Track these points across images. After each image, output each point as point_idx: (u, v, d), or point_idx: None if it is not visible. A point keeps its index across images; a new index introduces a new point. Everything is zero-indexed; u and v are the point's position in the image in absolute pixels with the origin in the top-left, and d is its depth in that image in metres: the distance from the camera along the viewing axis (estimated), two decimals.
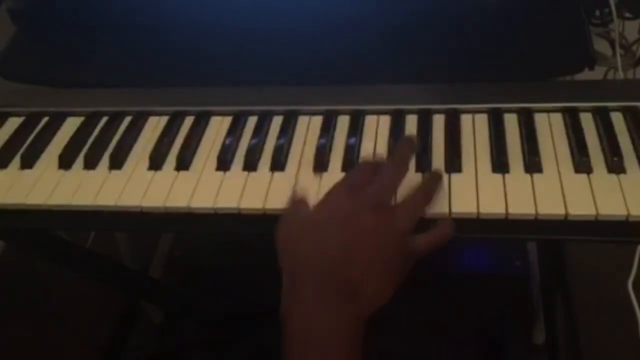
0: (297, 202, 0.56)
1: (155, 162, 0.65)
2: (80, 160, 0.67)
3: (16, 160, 0.68)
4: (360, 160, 0.61)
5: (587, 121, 0.64)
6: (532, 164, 0.59)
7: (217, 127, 0.69)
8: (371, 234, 0.52)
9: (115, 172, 0.65)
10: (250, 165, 0.64)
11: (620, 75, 0.76)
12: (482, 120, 0.65)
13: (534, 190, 0.57)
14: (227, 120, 0.69)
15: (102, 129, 0.70)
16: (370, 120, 0.67)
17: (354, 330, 0.50)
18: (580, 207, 0.55)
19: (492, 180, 0.59)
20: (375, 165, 0.57)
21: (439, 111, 0.67)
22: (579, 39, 0.72)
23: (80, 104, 0.74)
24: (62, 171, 0.66)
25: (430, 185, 0.57)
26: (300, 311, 0.50)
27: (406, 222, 0.54)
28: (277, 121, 0.68)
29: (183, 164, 0.65)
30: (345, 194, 0.54)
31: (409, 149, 0.59)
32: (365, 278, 0.51)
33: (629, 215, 0.54)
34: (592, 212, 0.54)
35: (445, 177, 0.59)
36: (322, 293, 0.50)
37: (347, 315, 0.50)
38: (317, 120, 0.68)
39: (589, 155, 0.59)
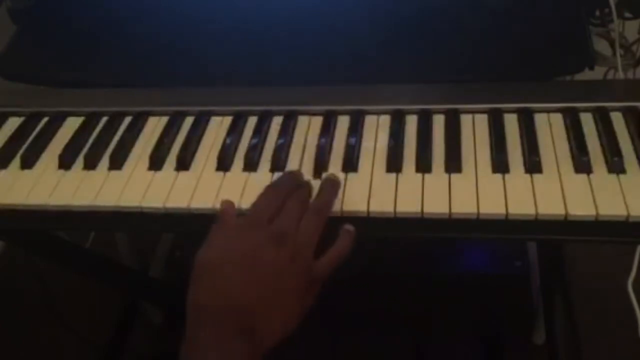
0: (221, 222, 0.56)
1: (155, 162, 0.65)
2: (80, 160, 0.67)
3: (16, 160, 0.68)
4: (266, 187, 0.59)
5: (587, 121, 0.64)
6: (532, 164, 0.59)
7: (217, 127, 0.69)
8: (272, 269, 0.51)
9: (115, 172, 0.65)
10: (250, 165, 0.64)
11: (620, 75, 0.76)
12: (482, 120, 0.65)
13: (534, 190, 0.57)
14: (227, 120, 0.69)
15: (102, 129, 0.70)
16: (370, 120, 0.67)
17: None
18: (580, 207, 0.55)
19: (492, 180, 0.59)
20: (283, 195, 0.57)
21: (439, 111, 0.67)
22: (579, 38, 0.72)
23: (80, 104, 0.74)
24: (62, 171, 0.66)
25: (324, 197, 0.57)
26: (202, 343, 0.49)
27: (308, 250, 0.53)
28: (277, 121, 0.68)
29: (183, 164, 0.65)
30: (246, 227, 0.54)
31: (307, 185, 0.59)
32: (267, 316, 0.50)
33: (629, 215, 0.54)
34: (592, 212, 0.54)
35: (445, 177, 0.59)
36: (216, 336, 0.49)
37: (245, 356, 0.49)
38: (317, 120, 0.68)
39: (589, 155, 0.59)
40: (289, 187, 0.58)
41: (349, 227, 0.56)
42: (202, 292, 0.51)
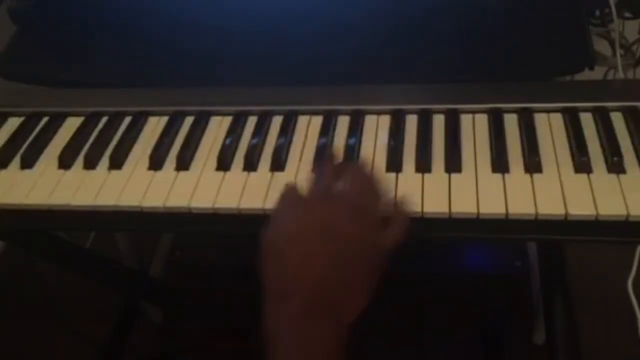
0: (286, 198, 0.55)
1: (155, 162, 0.65)
2: (80, 160, 0.67)
3: (16, 160, 0.68)
4: (320, 163, 0.60)
5: (587, 121, 0.64)
6: (532, 164, 0.59)
7: (217, 127, 0.69)
8: (353, 246, 0.51)
9: (115, 172, 0.65)
10: (250, 165, 0.64)
11: (620, 75, 0.75)
12: (482, 120, 0.65)
13: (534, 190, 0.57)
14: (227, 120, 0.69)
15: (102, 129, 0.70)
16: (370, 120, 0.67)
17: (336, 344, 0.49)
18: (580, 207, 0.55)
19: (492, 180, 0.59)
20: (338, 167, 0.57)
21: (439, 111, 0.67)
22: (579, 39, 0.72)
23: (80, 104, 0.74)
24: (62, 171, 0.66)
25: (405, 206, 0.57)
26: (286, 325, 0.49)
27: (380, 222, 0.53)
28: (277, 121, 0.68)
29: (183, 164, 0.65)
30: (322, 201, 0.53)
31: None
32: (349, 292, 0.50)
33: (629, 215, 0.54)
34: (592, 212, 0.54)
35: (445, 177, 0.59)
36: (309, 310, 0.49)
37: (329, 336, 0.49)
38: (317, 120, 0.68)
39: (589, 155, 0.59)
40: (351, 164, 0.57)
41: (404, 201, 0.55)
42: (291, 262, 0.51)
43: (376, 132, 0.66)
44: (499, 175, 0.59)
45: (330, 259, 0.50)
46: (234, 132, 0.67)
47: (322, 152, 0.63)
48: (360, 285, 0.51)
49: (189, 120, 0.70)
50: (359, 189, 0.54)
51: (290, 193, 0.55)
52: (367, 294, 0.51)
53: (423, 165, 0.61)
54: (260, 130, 0.67)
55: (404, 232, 0.54)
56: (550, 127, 0.64)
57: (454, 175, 0.60)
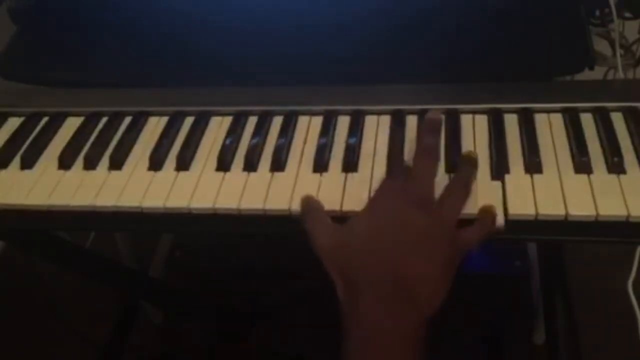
0: (316, 210, 0.57)
1: (155, 162, 0.65)
2: (80, 161, 0.67)
3: (16, 160, 0.68)
4: (391, 162, 0.61)
5: (587, 121, 0.64)
6: (532, 164, 0.59)
7: (217, 127, 0.69)
8: (423, 234, 0.52)
9: (115, 173, 0.65)
10: (250, 165, 0.64)
11: (620, 75, 0.76)
12: (482, 120, 0.65)
13: (534, 190, 0.57)
14: (227, 120, 0.69)
15: (102, 129, 0.70)
16: (370, 120, 0.67)
17: (416, 335, 0.50)
18: (580, 207, 0.55)
19: (492, 181, 0.59)
20: (407, 165, 0.57)
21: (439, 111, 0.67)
22: (579, 39, 0.72)
23: (80, 104, 0.74)
24: (62, 171, 0.66)
25: (467, 170, 0.58)
26: (363, 316, 0.50)
27: (452, 215, 0.54)
28: (277, 121, 0.68)
29: (183, 164, 0.65)
30: (391, 196, 0.55)
31: (433, 133, 0.59)
32: (422, 281, 0.51)
33: (629, 215, 0.54)
34: (592, 212, 0.54)
35: (445, 177, 0.59)
36: (383, 298, 0.50)
37: (409, 321, 0.50)
38: (317, 120, 0.68)
39: (589, 155, 0.59)
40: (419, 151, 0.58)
41: (490, 206, 0.56)
42: (362, 255, 0.52)
43: (376, 132, 0.66)
44: (499, 176, 0.59)
45: (401, 249, 0.51)
46: (234, 132, 0.67)
47: (322, 152, 0.63)
48: (437, 278, 0.51)
49: (189, 120, 0.70)
50: (428, 179, 0.55)
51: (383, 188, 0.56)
52: (444, 288, 0.52)
53: None
54: (260, 130, 0.67)
55: (485, 233, 0.54)
56: (550, 127, 0.64)
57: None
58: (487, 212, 0.55)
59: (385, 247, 0.52)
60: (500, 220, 0.55)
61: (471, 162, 0.59)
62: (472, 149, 0.62)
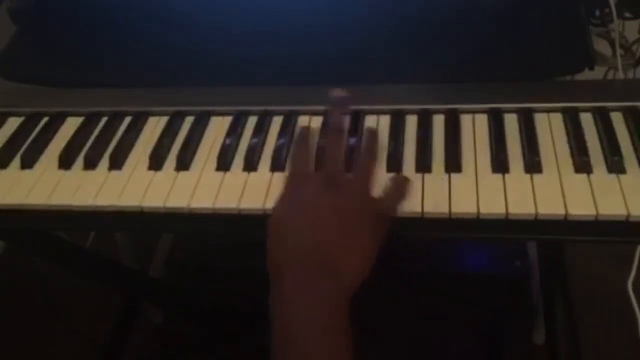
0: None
1: (155, 162, 0.65)
2: (80, 160, 0.67)
3: (16, 160, 0.68)
4: (295, 143, 0.61)
5: (587, 121, 0.64)
6: (532, 164, 0.59)
7: (217, 127, 0.69)
8: (336, 209, 0.52)
9: (115, 172, 0.65)
10: (250, 165, 0.64)
11: (620, 75, 0.76)
12: (482, 120, 0.65)
13: (534, 190, 0.57)
14: (227, 120, 0.69)
15: (102, 129, 0.70)
16: (370, 120, 0.67)
17: (340, 312, 0.50)
18: (580, 207, 0.55)
19: (492, 180, 0.59)
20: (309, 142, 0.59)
21: (439, 111, 0.67)
22: (579, 38, 0.72)
23: (80, 104, 0.74)
24: (62, 171, 0.66)
25: (371, 143, 0.58)
26: (281, 307, 0.50)
27: (365, 186, 0.54)
28: (277, 121, 0.68)
29: (183, 164, 0.65)
30: (300, 178, 0.55)
31: (339, 111, 0.59)
32: (343, 255, 0.51)
33: (629, 215, 0.54)
34: (592, 212, 0.54)
35: (445, 177, 0.59)
36: (301, 281, 0.50)
37: (329, 296, 0.50)
38: (317, 120, 0.68)
39: (589, 155, 0.59)
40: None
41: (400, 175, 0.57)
42: (277, 248, 0.52)
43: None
44: (499, 175, 0.59)
45: (316, 231, 0.52)
46: (234, 132, 0.67)
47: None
48: (360, 248, 0.52)
49: (189, 120, 0.70)
50: (335, 159, 0.56)
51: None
52: (369, 257, 0.52)
53: (423, 165, 0.61)
54: (260, 130, 0.67)
55: (401, 194, 0.55)
56: (550, 127, 0.64)
57: (454, 175, 0.60)
58: (400, 177, 0.57)
59: (299, 228, 0.52)
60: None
61: (373, 132, 0.60)
62: (472, 149, 0.62)
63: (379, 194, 0.55)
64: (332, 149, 0.56)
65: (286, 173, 0.58)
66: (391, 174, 0.61)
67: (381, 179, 0.57)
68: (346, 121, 0.59)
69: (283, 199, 0.55)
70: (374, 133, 0.60)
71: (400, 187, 0.56)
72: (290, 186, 0.56)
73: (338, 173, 0.55)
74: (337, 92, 0.60)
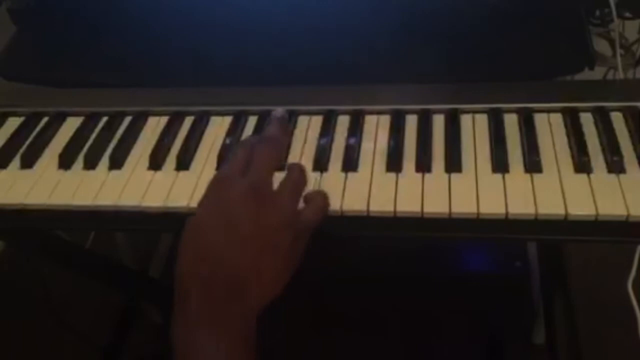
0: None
1: (155, 162, 0.65)
2: (80, 160, 0.67)
3: (16, 160, 0.68)
4: (234, 147, 0.60)
5: (587, 121, 0.64)
6: (532, 164, 0.59)
7: (217, 127, 0.69)
8: (253, 225, 0.49)
9: (115, 172, 0.65)
10: None
11: (620, 75, 0.76)
12: (482, 120, 0.65)
13: (534, 190, 0.57)
14: (227, 120, 0.69)
15: (102, 129, 0.70)
16: (370, 120, 0.67)
17: (243, 341, 0.47)
18: (580, 207, 0.55)
19: (492, 180, 0.59)
20: (249, 150, 0.56)
21: (439, 111, 0.67)
22: (579, 38, 0.72)
23: (80, 104, 0.74)
24: (62, 171, 0.66)
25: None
26: (183, 333, 0.47)
27: (291, 200, 0.53)
28: None
29: (183, 164, 0.65)
30: (221, 186, 0.53)
31: (276, 123, 0.59)
32: (256, 274, 0.48)
33: (629, 215, 0.54)
34: (592, 212, 0.54)
35: (445, 177, 0.59)
36: (206, 305, 0.47)
37: (235, 324, 0.47)
38: (317, 120, 0.68)
39: (589, 155, 0.59)
40: (257, 139, 0.57)
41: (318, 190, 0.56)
42: (186, 262, 0.50)
43: (376, 132, 0.66)
44: (499, 175, 0.59)
45: (231, 246, 0.49)
46: (234, 132, 0.67)
47: (322, 152, 0.63)
48: (273, 267, 0.49)
49: (189, 120, 0.70)
50: (263, 168, 0.54)
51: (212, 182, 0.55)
52: (281, 278, 0.50)
53: (423, 165, 0.61)
54: (260, 130, 0.67)
55: (320, 213, 0.54)
56: (550, 127, 0.64)
57: (454, 175, 0.60)
58: (317, 193, 0.55)
59: (212, 242, 0.49)
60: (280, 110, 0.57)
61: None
62: (472, 148, 0.62)
63: (301, 207, 0.53)
64: (262, 157, 0.54)
65: (215, 173, 0.56)
66: (391, 173, 0.61)
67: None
68: (284, 134, 0.59)
69: (206, 200, 0.53)
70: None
71: (320, 200, 0.55)
72: (217, 187, 0.53)
73: (265, 184, 0.52)
74: (279, 112, 0.60)
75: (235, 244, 0.49)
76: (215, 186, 0.54)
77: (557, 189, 0.57)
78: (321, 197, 0.55)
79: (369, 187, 0.59)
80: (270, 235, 0.50)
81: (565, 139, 0.62)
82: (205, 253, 0.49)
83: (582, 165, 0.59)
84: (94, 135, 0.70)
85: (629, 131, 0.62)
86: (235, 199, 0.51)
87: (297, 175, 0.56)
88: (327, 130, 0.66)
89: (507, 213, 0.55)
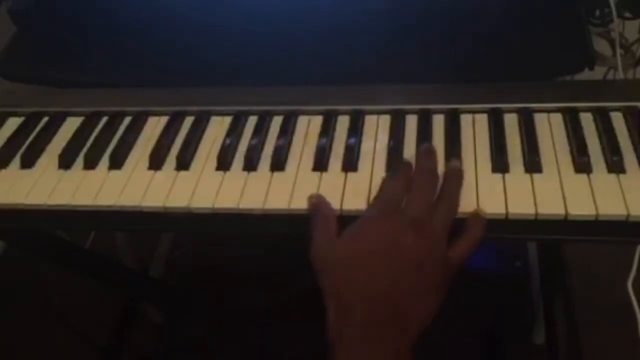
0: (325, 217, 0.56)
1: (155, 162, 0.65)
2: (80, 160, 0.67)
3: (16, 160, 0.68)
4: (387, 175, 0.60)
5: (587, 121, 0.64)
6: (532, 164, 0.59)
7: (217, 127, 0.69)
8: (416, 257, 0.51)
9: (115, 172, 0.65)
10: (250, 165, 0.64)
11: (620, 75, 0.75)
12: (482, 120, 0.65)
13: (534, 190, 0.57)
14: (227, 120, 0.69)
15: (102, 129, 0.70)
16: (370, 120, 0.67)
17: (405, 355, 0.49)
18: (580, 207, 0.55)
19: (492, 180, 0.59)
20: (405, 180, 0.57)
21: (439, 111, 0.67)
22: (579, 38, 0.72)
23: (80, 104, 0.74)
24: (62, 171, 0.66)
25: (453, 184, 0.57)
26: (350, 335, 0.49)
27: (444, 234, 0.53)
28: (277, 121, 0.68)
29: (183, 164, 0.65)
30: (383, 217, 0.54)
31: (432, 157, 0.59)
32: (415, 305, 0.50)
33: (629, 215, 0.54)
34: (592, 212, 0.54)
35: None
36: (374, 321, 0.49)
37: (398, 345, 0.49)
38: (317, 120, 0.68)
39: (589, 155, 0.59)
40: (411, 171, 0.58)
41: (479, 213, 0.55)
42: (347, 285, 0.51)
43: (376, 132, 0.66)
44: (499, 175, 0.59)
45: (394, 276, 0.50)
46: (234, 132, 0.67)
47: (323, 152, 0.63)
48: (430, 300, 0.51)
49: (189, 120, 0.70)
50: (424, 201, 0.55)
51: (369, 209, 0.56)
52: (434, 306, 0.51)
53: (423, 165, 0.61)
54: (260, 130, 0.67)
55: (474, 245, 0.54)
56: (550, 127, 0.64)
57: None
58: (475, 221, 0.55)
59: (380, 267, 0.51)
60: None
61: (458, 173, 0.58)
62: (472, 148, 0.62)
63: (452, 241, 0.54)
64: (421, 192, 0.55)
65: (371, 208, 0.56)
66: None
67: None
68: (437, 167, 0.58)
69: (363, 235, 0.54)
70: (458, 173, 0.58)
71: (474, 235, 0.54)
72: (374, 223, 0.54)
73: (424, 219, 0.53)
74: (428, 146, 0.60)
75: (397, 274, 0.51)
76: (376, 214, 0.55)
77: (557, 189, 0.57)
78: (480, 227, 0.55)
79: (369, 187, 0.59)
80: (430, 268, 0.52)
81: (565, 139, 0.62)
82: (368, 281, 0.51)
83: (582, 165, 0.59)
84: (94, 135, 0.70)
85: (629, 131, 0.62)
86: (398, 229, 0.52)
87: (453, 206, 0.55)
88: (327, 130, 0.66)
89: (507, 213, 0.56)
